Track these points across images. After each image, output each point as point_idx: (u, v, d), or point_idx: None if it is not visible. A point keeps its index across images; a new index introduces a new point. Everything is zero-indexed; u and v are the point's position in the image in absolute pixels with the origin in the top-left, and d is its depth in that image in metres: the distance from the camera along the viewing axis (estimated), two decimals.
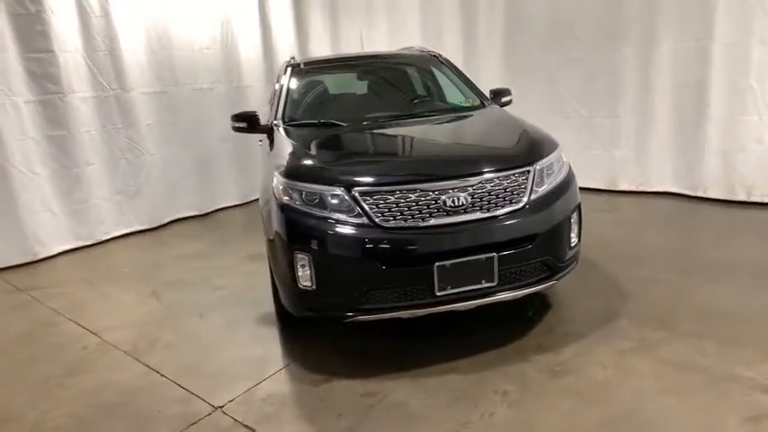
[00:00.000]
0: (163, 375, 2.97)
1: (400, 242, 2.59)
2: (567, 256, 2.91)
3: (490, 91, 4.06)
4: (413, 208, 2.61)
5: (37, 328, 3.74)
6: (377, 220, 2.60)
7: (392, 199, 2.62)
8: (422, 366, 2.80)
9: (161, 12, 5.71)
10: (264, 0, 6.69)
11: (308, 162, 2.98)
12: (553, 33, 5.60)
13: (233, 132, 6.25)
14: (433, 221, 2.61)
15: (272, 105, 3.96)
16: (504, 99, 3.99)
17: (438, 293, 2.61)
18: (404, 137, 3.34)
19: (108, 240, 5.49)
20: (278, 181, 2.85)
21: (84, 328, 3.65)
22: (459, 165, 2.79)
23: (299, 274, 2.69)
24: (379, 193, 2.63)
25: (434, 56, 4.39)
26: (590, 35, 5.38)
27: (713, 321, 3.01)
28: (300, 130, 3.52)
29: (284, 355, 3.06)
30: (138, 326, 3.62)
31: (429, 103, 4.13)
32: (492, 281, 2.66)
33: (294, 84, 3.98)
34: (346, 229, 2.62)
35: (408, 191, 2.62)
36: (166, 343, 3.34)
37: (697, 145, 5.03)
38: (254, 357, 3.07)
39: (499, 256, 2.62)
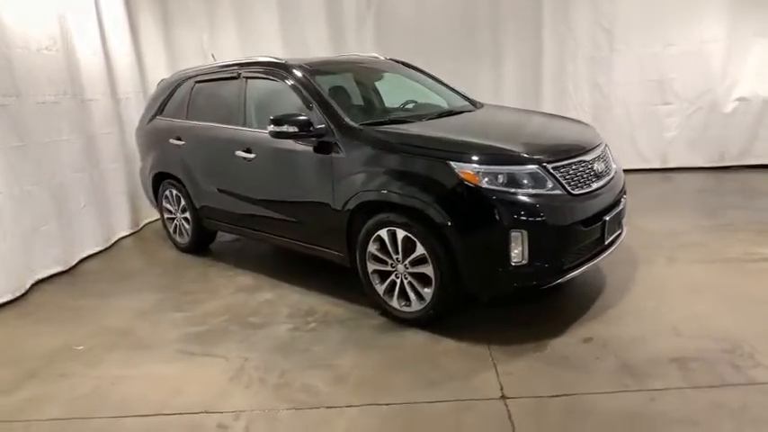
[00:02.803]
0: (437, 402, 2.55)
1: (591, 204, 3.03)
2: None
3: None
4: (583, 176, 3.09)
5: None
6: (569, 189, 2.97)
7: (571, 171, 3.03)
8: (580, 315, 3.26)
9: None
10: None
11: (484, 147, 3.04)
12: (424, 46, 6.48)
13: (87, 160, 5.02)
14: (594, 185, 3.15)
15: (305, 109, 3.56)
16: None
17: (605, 243, 3.18)
18: (510, 123, 3.68)
19: None
20: (463, 167, 2.86)
21: (163, 415, 2.60)
22: (589, 139, 3.37)
23: (513, 251, 2.82)
24: (564, 166, 3.00)
25: (409, 64, 4.70)
26: (455, 50, 6.52)
27: (681, 236, 4.41)
28: (379, 127, 3.39)
29: (470, 343, 3.02)
30: (236, 390, 2.81)
31: (441, 103, 4.34)
32: (620, 228, 3.39)
33: (324, 87, 3.68)
34: (553, 201, 2.89)
35: (578, 162, 3.09)
36: (357, 381, 2.78)
37: None
38: (446, 355, 2.95)
39: (622, 208, 3.37)
